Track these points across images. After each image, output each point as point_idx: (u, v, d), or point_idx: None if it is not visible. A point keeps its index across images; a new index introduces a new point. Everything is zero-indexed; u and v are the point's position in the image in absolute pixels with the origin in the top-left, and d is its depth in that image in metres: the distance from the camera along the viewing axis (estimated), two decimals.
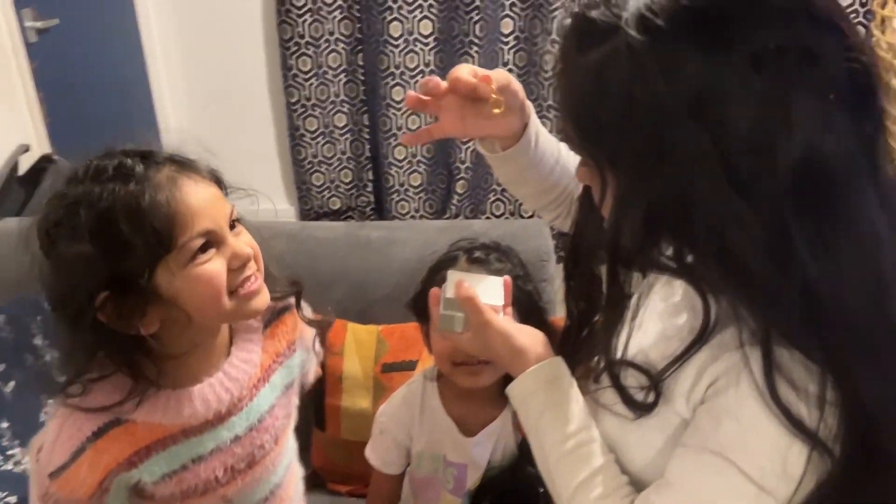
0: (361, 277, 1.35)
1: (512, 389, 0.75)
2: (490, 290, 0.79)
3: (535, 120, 0.86)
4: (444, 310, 0.78)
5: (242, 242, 0.76)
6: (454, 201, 2.76)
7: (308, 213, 2.86)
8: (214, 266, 0.72)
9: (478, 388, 0.95)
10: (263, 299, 0.78)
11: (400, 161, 2.75)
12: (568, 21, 0.61)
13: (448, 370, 0.95)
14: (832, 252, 0.54)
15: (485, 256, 0.98)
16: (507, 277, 0.84)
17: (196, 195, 0.72)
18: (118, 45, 2.46)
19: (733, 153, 0.54)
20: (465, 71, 0.77)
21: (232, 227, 0.77)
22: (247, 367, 0.83)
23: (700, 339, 0.60)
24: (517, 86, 0.80)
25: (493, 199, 2.78)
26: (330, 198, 2.86)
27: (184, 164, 0.75)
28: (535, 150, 0.86)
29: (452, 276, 0.80)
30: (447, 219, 2.79)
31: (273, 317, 0.89)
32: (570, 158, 0.89)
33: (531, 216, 2.69)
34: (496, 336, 0.74)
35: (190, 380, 0.79)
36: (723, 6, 0.54)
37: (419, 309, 0.99)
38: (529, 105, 0.85)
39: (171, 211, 0.70)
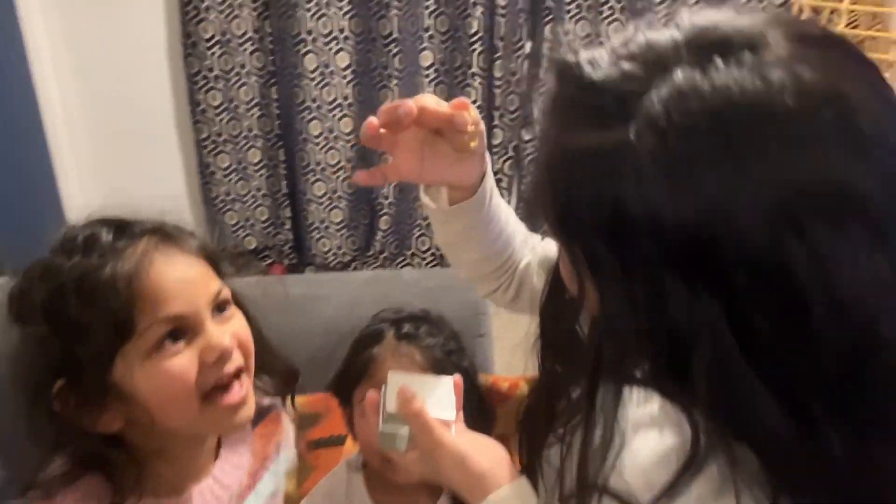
0: (283, 339, 1.24)
1: None
2: (440, 398, 0.68)
3: (490, 171, 0.76)
4: (384, 425, 0.66)
5: (226, 331, 0.63)
6: (378, 238, 2.66)
7: None
8: (181, 361, 0.60)
9: (410, 481, 0.86)
10: (247, 412, 0.65)
11: (319, 197, 2.63)
12: (565, 77, 0.49)
13: (378, 463, 0.85)
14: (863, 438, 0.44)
15: (414, 331, 0.89)
16: (458, 378, 0.75)
17: (170, 272, 0.61)
18: (5, 85, 2.27)
19: (755, 309, 0.43)
20: (432, 101, 0.66)
21: (221, 309, 0.65)
22: (238, 472, 0.71)
23: (689, 467, 0.49)
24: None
25: (418, 234, 2.70)
26: (245, 237, 2.71)
27: (168, 236, 0.64)
28: (489, 207, 0.76)
29: (394, 380, 0.68)
30: (371, 255, 2.69)
31: (263, 413, 0.76)
32: (518, 224, 0.81)
33: None
34: (449, 459, 0.64)
35: (175, 487, 0.65)
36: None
37: (343, 393, 0.89)
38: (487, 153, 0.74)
39: (132, 290, 0.59)
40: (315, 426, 1.08)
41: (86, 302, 0.58)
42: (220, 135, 2.54)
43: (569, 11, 2.46)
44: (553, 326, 0.67)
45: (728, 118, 0.42)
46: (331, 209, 2.66)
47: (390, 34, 2.42)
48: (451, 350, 0.90)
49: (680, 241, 0.43)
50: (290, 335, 1.23)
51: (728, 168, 0.42)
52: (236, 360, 0.64)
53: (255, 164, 2.61)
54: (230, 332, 0.65)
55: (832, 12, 2.00)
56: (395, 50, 2.44)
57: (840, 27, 1.85)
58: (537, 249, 0.85)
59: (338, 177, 2.61)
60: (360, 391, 0.87)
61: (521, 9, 2.42)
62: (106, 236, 0.62)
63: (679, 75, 0.44)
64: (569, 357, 0.65)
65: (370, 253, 2.69)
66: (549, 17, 2.45)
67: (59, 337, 0.59)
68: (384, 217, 2.64)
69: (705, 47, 0.44)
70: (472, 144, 0.67)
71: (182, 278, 0.62)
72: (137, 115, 2.52)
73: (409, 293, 1.24)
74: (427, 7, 2.41)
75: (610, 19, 2.47)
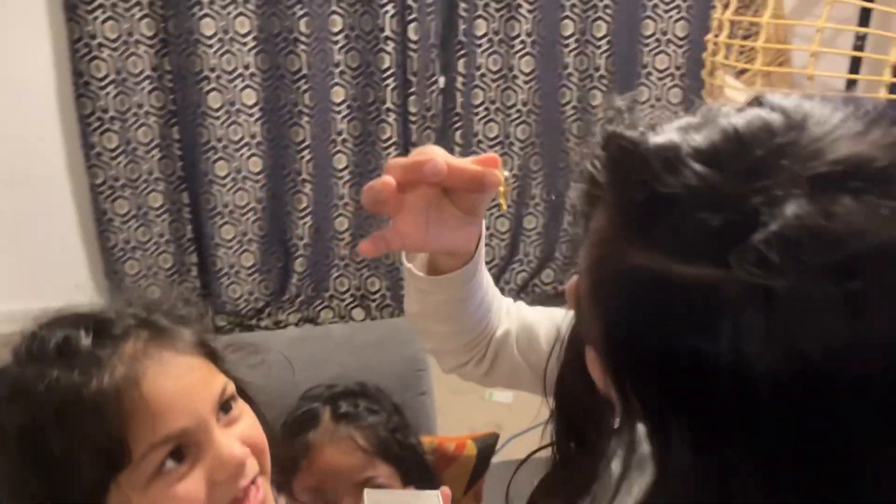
0: None
1: None
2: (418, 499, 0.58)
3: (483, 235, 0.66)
4: None
5: (234, 438, 0.53)
6: (293, 281, 2.54)
7: None
8: (188, 486, 0.50)
9: None
10: None
11: (228, 241, 2.50)
12: (636, 175, 0.38)
13: None
14: None
15: (353, 409, 0.82)
16: (446, 490, 0.66)
17: (166, 381, 0.51)
18: None
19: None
20: (448, 156, 0.56)
21: (227, 410, 0.54)
22: None
23: None
24: None
25: (336, 275, 2.60)
26: (148, 287, 2.53)
27: (158, 333, 0.53)
28: (479, 275, 0.67)
29: (371, 499, 0.58)
30: (286, 300, 2.56)
31: None
32: (494, 286, 0.73)
33: (392, 312, 2.54)
34: None
35: None
36: None
37: (279, 482, 0.80)
38: None
39: (123, 409, 0.48)
40: None
41: (69, 431, 0.48)
42: (117, 179, 2.37)
43: (480, 45, 2.45)
44: (569, 404, 0.59)
45: (857, 265, 0.33)
46: (241, 253, 2.52)
47: (299, 70, 2.33)
48: (395, 427, 0.84)
49: (778, 406, 0.34)
50: None
51: (854, 319, 0.33)
52: (251, 470, 0.54)
53: (157, 209, 2.45)
54: (240, 436, 0.55)
55: (752, 25, 2.07)
56: (304, 86, 2.35)
57: (760, 41, 1.90)
58: (514, 314, 0.75)
59: (247, 219, 2.49)
60: (298, 481, 0.79)
61: (433, 43, 2.39)
62: (84, 340, 0.51)
63: (796, 209, 0.34)
64: (586, 435, 0.57)
65: (285, 297, 2.56)
66: (462, 51, 2.43)
67: (38, 474, 0.48)
68: (299, 259, 2.53)
69: (823, 177, 0.35)
70: (503, 205, 0.58)
71: (181, 386, 0.52)
72: (26, 161, 2.32)
73: (341, 352, 1.16)
74: (336, 42, 2.34)
75: (522, 53, 2.47)
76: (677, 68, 2.55)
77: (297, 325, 2.54)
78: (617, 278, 0.39)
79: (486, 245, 2.57)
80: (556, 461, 0.60)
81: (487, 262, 2.59)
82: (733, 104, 0.41)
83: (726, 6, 2.03)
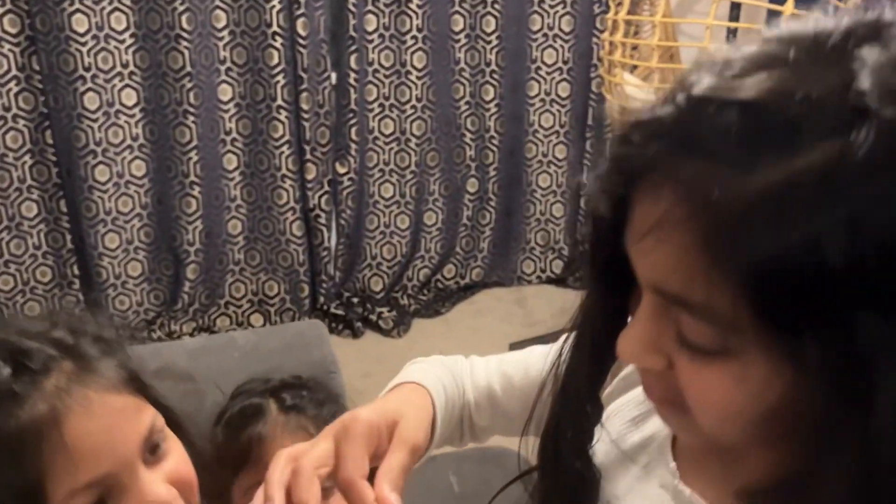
0: None
1: None
2: None
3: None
4: None
5: (161, 480, 0.50)
6: (186, 289, 2.43)
7: None
8: None
9: None
10: None
11: (113, 250, 2.36)
12: (709, 106, 0.35)
13: None
14: None
15: (300, 401, 0.80)
16: None
17: (90, 423, 0.46)
18: None
19: None
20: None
21: (152, 450, 0.51)
22: None
23: None
24: None
25: (231, 280, 2.50)
26: (25, 303, 2.35)
27: (83, 365, 0.48)
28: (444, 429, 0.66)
29: None
30: (178, 309, 2.45)
31: None
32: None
33: (294, 316, 2.48)
34: None
35: None
36: None
37: (214, 487, 0.76)
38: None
39: (43, 453, 0.43)
40: None
41: None
42: None
43: (371, 41, 2.42)
44: (555, 468, 0.56)
45: None
46: (127, 262, 2.39)
47: (182, 67, 2.23)
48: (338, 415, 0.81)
49: None
50: None
51: None
52: None
53: (32, 219, 2.28)
54: (168, 475, 0.52)
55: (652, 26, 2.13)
56: (189, 84, 2.25)
57: (655, 40, 1.97)
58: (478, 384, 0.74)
59: (133, 226, 2.36)
60: (245, 477, 0.77)
61: (323, 39, 2.34)
62: (3, 372, 0.46)
63: (872, 52, 0.33)
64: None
65: (178, 307, 2.44)
66: (353, 46, 2.39)
67: None
68: (191, 265, 2.42)
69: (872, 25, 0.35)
70: None
71: (105, 427, 0.48)
72: None
73: (248, 361, 1.10)
74: (221, 38, 2.25)
75: (414, 49, 2.46)
76: (564, 62, 2.61)
77: (191, 335, 2.44)
78: (735, 212, 0.34)
79: (388, 243, 2.53)
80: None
81: (388, 260, 2.55)
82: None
83: (619, 5, 2.10)
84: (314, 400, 0.82)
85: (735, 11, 2.46)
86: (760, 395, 0.37)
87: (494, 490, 1.28)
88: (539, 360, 0.69)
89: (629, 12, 2.16)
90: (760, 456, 0.43)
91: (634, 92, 2.09)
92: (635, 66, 2.15)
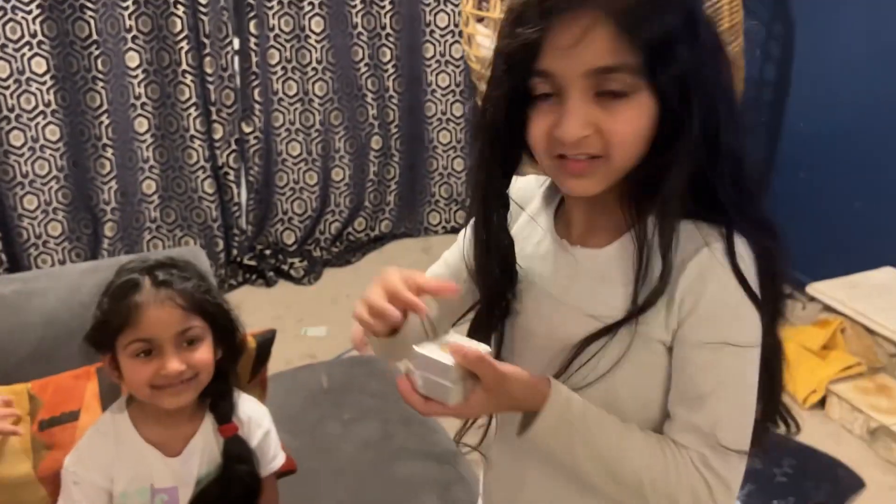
0: None
1: (544, 421, 0.66)
2: (469, 342, 0.67)
3: None
4: (436, 385, 0.65)
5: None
6: (105, 246, 2.58)
7: None
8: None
9: (180, 406, 0.96)
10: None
11: (32, 211, 2.49)
12: None
13: (147, 395, 0.95)
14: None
15: (169, 277, 0.97)
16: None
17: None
18: None
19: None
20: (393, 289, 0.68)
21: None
22: None
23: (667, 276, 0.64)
24: None
25: (148, 237, 2.66)
26: None
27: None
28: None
29: (420, 351, 0.65)
30: None
31: None
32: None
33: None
34: (517, 383, 0.65)
35: None
36: None
37: (104, 341, 0.96)
38: None
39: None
40: (43, 408, 1.11)
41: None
42: None
43: (271, 8, 2.59)
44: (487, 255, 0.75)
45: None
46: (47, 223, 2.53)
47: (89, 36, 2.37)
48: (205, 290, 0.99)
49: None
50: (7, 333, 1.23)
51: None
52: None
53: None
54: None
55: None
56: (96, 52, 2.39)
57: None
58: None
59: (50, 188, 2.50)
60: (124, 337, 0.94)
61: (224, 7, 2.49)
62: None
63: None
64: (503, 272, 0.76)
65: None
66: (252, 13, 2.55)
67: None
68: (108, 224, 2.57)
69: None
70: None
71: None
72: None
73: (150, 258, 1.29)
74: (126, 8, 2.39)
75: (311, 14, 2.63)
76: (455, 25, 2.81)
77: None
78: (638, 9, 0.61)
79: (298, 198, 2.76)
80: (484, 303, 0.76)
81: (300, 215, 2.79)
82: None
83: None
84: (182, 276, 0.98)
85: None
86: (648, 121, 0.63)
87: (358, 387, 1.51)
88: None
89: None
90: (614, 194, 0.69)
91: (484, 41, 2.29)
92: (482, 18, 2.34)
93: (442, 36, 2.83)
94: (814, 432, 1.86)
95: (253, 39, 2.57)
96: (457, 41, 2.84)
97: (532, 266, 0.76)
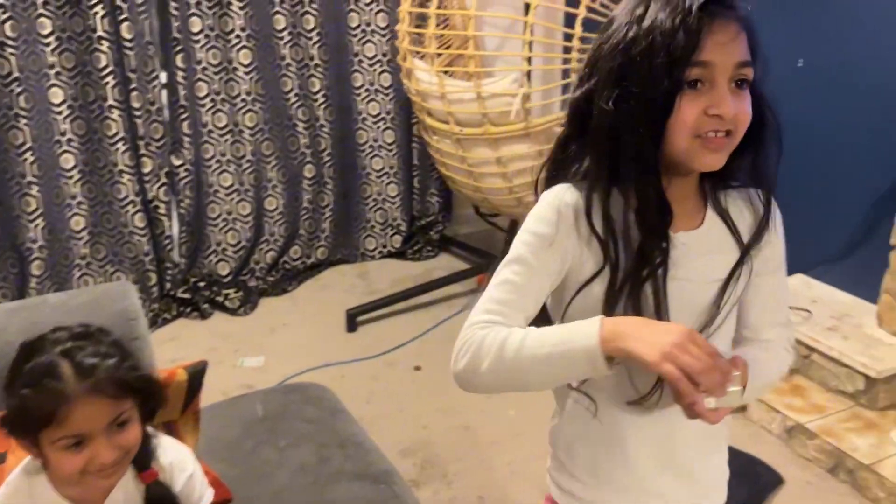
0: None
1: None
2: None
3: None
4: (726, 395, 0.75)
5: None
6: (32, 285, 2.53)
7: None
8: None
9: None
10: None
11: None
12: None
13: (77, 480, 0.93)
14: None
15: (92, 360, 0.90)
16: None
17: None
18: None
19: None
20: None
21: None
22: None
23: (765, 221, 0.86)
24: None
25: (78, 274, 2.62)
26: None
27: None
28: None
29: None
30: None
31: None
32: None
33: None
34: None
35: None
36: None
37: (26, 433, 0.91)
38: None
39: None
40: None
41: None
42: None
43: (198, 41, 2.60)
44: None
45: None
46: None
47: (10, 73, 2.34)
48: (129, 365, 0.93)
49: None
50: None
51: None
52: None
53: None
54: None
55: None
56: (18, 89, 2.36)
57: (431, 29, 2.24)
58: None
59: None
60: (49, 433, 0.88)
61: (149, 41, 2.50)
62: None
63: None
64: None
65: None
66: (179, 47, 2.56)
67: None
68: (35, 262, 2.52)
69: None
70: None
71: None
72: None
73: (58, 315, 1.28)
74: (48, 45, 2.37)
75: (239, 47, 2.65)
76: (384, 55, 2.87)
77: None
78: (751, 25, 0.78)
79: (231, 229, 2.77)
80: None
81: (234, 245, 2.80)
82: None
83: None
84: (103, 354, 0.91)
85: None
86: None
87: (293, 414, 1.53)
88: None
89: (419, 5, 2.45)
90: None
91: (423, 75, 2.37)
92: (422, 54, 2.42)
93: (370, 65, 2.89)
94: (735, 434, 1.95)
95: (180, 73, 2.58)
96: (385, 70, 2.90)
97: None
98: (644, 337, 0.72)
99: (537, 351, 0.75)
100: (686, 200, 0.84)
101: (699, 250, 0.84)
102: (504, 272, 0.82)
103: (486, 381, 0.79)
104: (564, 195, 0.82)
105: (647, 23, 0.75)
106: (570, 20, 2.25)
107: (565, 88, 2.23)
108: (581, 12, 2.14)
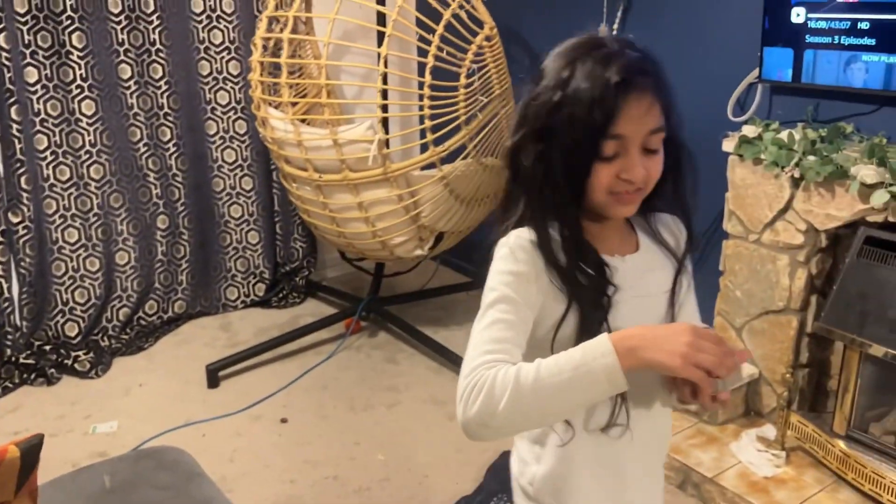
0: None
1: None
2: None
3: None
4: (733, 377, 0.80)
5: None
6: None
7: None
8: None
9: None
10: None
11: None
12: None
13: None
14: None
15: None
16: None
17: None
18: None
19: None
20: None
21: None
22: None
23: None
24: None
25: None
26: None
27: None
28: None
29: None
30: None
31: None
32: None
33: None
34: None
35: None
36: None
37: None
38: None
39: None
40: None
41: None
42: None
43: (35, 92, 2.47)
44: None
45: None
46: None
47: None
48: None
49: None
50: None
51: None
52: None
53: None
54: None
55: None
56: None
57: (283, 78, 2.23)
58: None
59: None
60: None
61: None
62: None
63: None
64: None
65: None
66: (13, 98, 2.42)
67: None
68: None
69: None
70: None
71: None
72: None
73: None
74: None
75: (81, 97, 2.54)
76: (237, 102, 2.84)
77: None
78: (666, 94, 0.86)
79: (79, 287, 2.68)
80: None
81: (82, 304, 2.69)
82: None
83: (257, 48, 2.37)
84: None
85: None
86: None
87: (144, 481, 1.46)
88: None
89: (272, 54, 2.46)
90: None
91: (278, 124, 2.37)
92: (277, 104, 2.43)
93: (224, 113, 2.85)
94: None
95: (15, 126, 2.44)
96: (240, 117, 2.87)
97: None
98: (658, 345, 0.76)
99: (556, 378, 0.76)
100: (620, 230, 0.95)
101: (644, 268, 0.94)
102: (491, 313, 0.85)
103: (504, 420, 0.77)
104: (527, 234, 0.88)
105: (570, 90, 0.83)
106: (422, 69, 2.33)
107: (423, 133, 2.30)
108: (430, 61, 2.22)
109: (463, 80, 2.25)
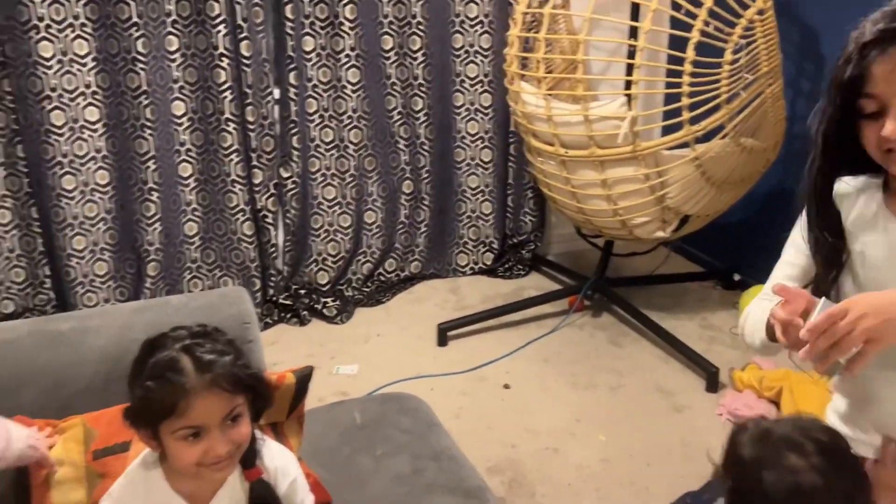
0: (55, 373, 1.31)
1: None
2: (820, 308, 0.93)
3: None
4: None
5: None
6: (147, 285, 2.70)
7: None
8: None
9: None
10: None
11: (80, 251, 2.62)
12: None
13: (193, 472, 0.98)
14: None
15: (210, 356, 0.97)
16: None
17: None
18: None
19: None
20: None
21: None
22: None
23: None
24: None
25: (189, 277, 2.77)
26: (2, 300, 2.61)
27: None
28: None
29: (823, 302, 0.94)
30: None
31: None
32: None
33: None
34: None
35: None
36: None
37: (147, 424, 0.97)
38: None
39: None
40: (98, 439, 1.19)
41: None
42: None
43: (310, 60, 2.72)
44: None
45: None
46: (94, 262, 2.65)
47: (139, 87, 2.51)
48: (242, 363, 1.00)
49: None
50: (64, 368, 1.32)
51: None
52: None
53: (6, 225, 2.55)
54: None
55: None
56: (145, 102, 2.53)
57: (540, 53, 2.25)
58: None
59: (98, 229, 2.62)
60: (170, 424, 0.95)
61: (265, 59, 2.63)
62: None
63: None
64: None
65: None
66: (292, 65, 2.69)
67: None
68: (152, 264, 2.69)
69: None
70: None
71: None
72: None
73: (179, 316, 1.37)
74: (174, 60, 2.54)
75: (348, 66, 2.76)
76: (485, 76, 2.92)
77: None
78: None
79: (332, 240, 2.89)
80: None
81: (333, 256, 2.92)
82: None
83: (515, 24, 2.41)
84: (220, 352, 0.97)
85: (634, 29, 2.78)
86: None
87: (389, 422, 1.58)
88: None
89: (529, 30, 2.48)
90: None
91: (529, 98, 2.39)
92: (529, 78, 2.45)
93: (472, 86, 2.94)
94: None
95: (293, 90, 2.70)
96: (486, 90, 2.94)
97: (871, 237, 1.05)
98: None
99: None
100: None
101: None
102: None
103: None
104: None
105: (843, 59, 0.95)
106: (676, 43, 2.23)
107: (677, 111, 2.20)
108: (694, 36, 2.11)
109: (728, 57, 2.12)
